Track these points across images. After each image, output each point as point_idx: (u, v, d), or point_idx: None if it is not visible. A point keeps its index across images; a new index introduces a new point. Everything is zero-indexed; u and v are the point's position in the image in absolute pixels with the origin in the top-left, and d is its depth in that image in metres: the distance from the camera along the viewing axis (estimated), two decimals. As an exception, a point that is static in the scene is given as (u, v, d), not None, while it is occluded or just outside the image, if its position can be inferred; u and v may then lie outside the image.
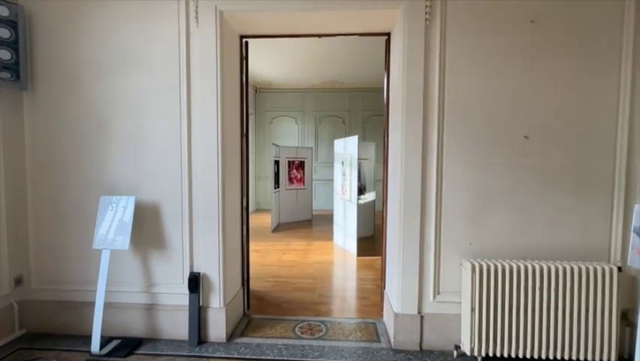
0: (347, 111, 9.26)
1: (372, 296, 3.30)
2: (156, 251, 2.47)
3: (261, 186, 9.32)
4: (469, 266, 2.18)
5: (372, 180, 5.92)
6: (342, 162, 5.43)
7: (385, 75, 2.78)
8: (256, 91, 9.29)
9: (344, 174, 5.36)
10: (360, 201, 5.23)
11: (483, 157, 2.27)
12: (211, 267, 2.44)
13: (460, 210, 2.31)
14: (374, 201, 5.96)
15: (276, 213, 6.85)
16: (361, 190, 5.45)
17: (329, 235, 5.90)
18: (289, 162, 7.32)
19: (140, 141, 2.43)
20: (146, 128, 2.42)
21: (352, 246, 4.87)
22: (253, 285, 3.54)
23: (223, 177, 2.41)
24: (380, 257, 4.90)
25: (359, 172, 5.12)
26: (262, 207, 9.23)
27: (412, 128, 2.29)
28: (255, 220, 7.60)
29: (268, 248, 5.18)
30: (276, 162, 6.87)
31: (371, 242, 5.60)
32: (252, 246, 5.27)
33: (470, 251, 2.32)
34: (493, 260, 2.23)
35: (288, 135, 9.33)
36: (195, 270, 2.46)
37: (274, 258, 4.64)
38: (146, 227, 2.46)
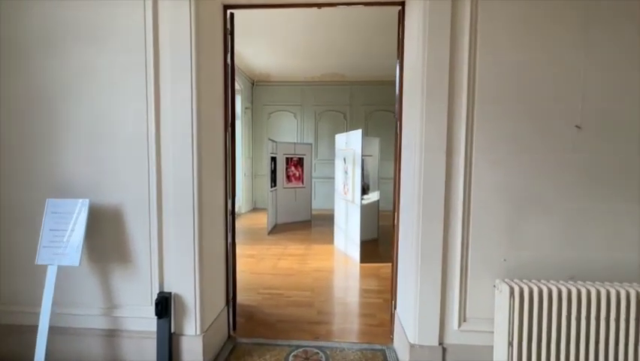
0: (348, 106, 8.81)
1: (380, 313, 2.86)
2: (119, 266, 2.02)
3: (258, 184, 8.88)
4: (505, 289, 1.73)
5: (377, 179, 5.47)
6: (344, 159, 4.98)
7: (398, 54, 2.32)
8: (253, 84, 8.83)
9: (346, 172, 4.91)
10: (364, 202, 4.78)
11: (523, 153, 1.82)
12: (185, 285, 1.99)
13: (493, 218, 1.86)
14: (378, 201, 5.52)
15: (273, 214, 6.41)
16: (364, 189, 5.01)
17: (329, 238, 5.46)
18: (287, 158, 6.87)
19: (98, 131, 1.98)
20: (104, 115, 1.97)
21: (355, 252, 4.43)
22: (243, 298, 3.10)
23: (199, 175, 1.96)
24: (386, 264, 4.49)
25: (362, 170, 4.66)
26: (260, 206, 8.79)
27: (434, 117, 1.83)
28: (250, 221, 7.17)
29: (263, 252, 4.74)
30: (273, 159, 6.41)
31: (375, 246, 5.17)
32: (246, 250, 4.84)
33: (504, 269, 1.87)
34: (534, 281, 1.79)
35: (287, 131, 8.88)
36: (166, 289, 2.01)
37: (269, 264, 4.20)
38: (107, 236, 2.01)
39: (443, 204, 1.85)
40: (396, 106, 2.33)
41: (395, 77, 2.38)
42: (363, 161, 4.63)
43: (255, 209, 8.78)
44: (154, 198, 1.96)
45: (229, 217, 2.40)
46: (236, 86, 7.86)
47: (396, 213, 2.35)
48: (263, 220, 6.77)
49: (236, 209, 7.57)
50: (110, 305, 2.05)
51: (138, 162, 1.96)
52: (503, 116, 1.81)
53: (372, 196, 5.43)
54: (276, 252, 4.77)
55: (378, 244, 5.29)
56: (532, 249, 1.85)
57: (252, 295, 3.22)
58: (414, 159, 1.93)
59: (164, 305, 1.92)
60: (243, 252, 4.76)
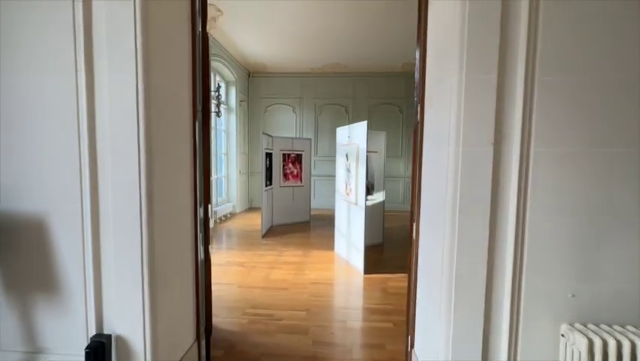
0: (351, 99, 8.26)
1: (390, 343, 2.33)
2: (43, 297, 1.50)
3: (254, 181, 8.36)
4: (581, 341, 1.20)
5: (382, 178, 4.94)
6: (346, 155, 4.44)
7: (419, 19, 1.78)
8: (249, 75, 8.28)
9: (348, 170, 4.37)
10: (368, 203, 4.24)
11: (606, 145, 1.28)
12: (131, 324, 1.47)
13: (559, 236, 1.33)
14: (383, 202, 4.99)
15: (268, 215, 5.89)
16: (369, 189, 4.47)
17: (329, 242, 4.93)
18: (284, 155, 6.33)
19: (10, 113, 1.45)
20: (18, 90, 1.43)
21: (358, 260, 3.90)
22: (225, 321, 2.59)
23: (149, 176, 1.43)
24: (393, 275, 3.85)
25: (366, 168, 4.12)
26: (256, 206, 8.26)
27: (478, 95, 1.29)
28: (244, 222, 6.65)
29: (254, 260, 4.21)
30: (268, 155, 5.88)
31: (379, 252, 4.65)
32: (235, 257, 4.32)
33: (573, 308, 1.34)
34: (617, 328, 1.26)
35: (285, 125, 8.34)
36: (106, 330, 1.49)
37: (259, 275, 3.67)
38: (26, 257, 1.49)
39: (488, 215, 1.32)
40: (417, 88, 1.79)
41: (419, 37, 1.83)
42: (367, 157, 4.08)
43: (250, 209, 8.26)
44: (88, 207, 1.43)
45: (199, 227, 1.87)
46: (231, 77, 7.31)
47: (414, 225, 1.82)
48: (258, 221, 6.25)
49: (231, 208, 7.04)
50: (33, 349, 1.52)
51: (67, 156, 1.43)
52: (578, 92, 1.27)
53: (377, 197, 4.90)
54: (269, 259, 4.25)
55: (383, 250, 4.78)
56: (613, 281, 1.32)
57: (236, 316, 2.70)
58: (445, 154, 1.39)
59: (100, 354, 1.40)
60: (232, 259, 4.24)
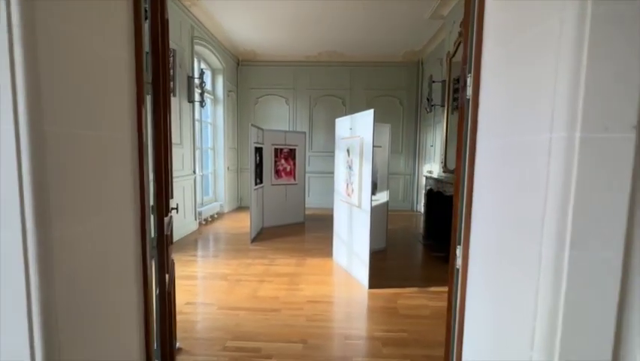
0: (348, 90, 7.68)
1: (411, 394, 1.80)
2: None
3: (244, 179, 7.76)
4: None
5: (386, 176, 4.40)
6: (348, 150, 3.87)
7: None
8: (238, 64, 7.63)
9: (350, 168, 3.81)
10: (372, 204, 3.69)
11: None
12: None
13: None
14: (387, 203, 4.46)
15: (258, 216, 5.31)
16: (372, 189, 3.92)
17: (326, 247, 4.38)
18: (276, 149, 5.74)
19: None
20: None
21: (361, 272, 3.36)
22: (196, 359, 2.03)
23: (38, 176, 0.85)
24: (403, 290, 3.05)
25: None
26: (246, 205, 7.65)
27: (610, 41, 0.74)
28: (232, 223, 6.06)
29: (241, 271, 3.64)
30: (258, 150, 5.28)
31: (383, 259, 4.13)
32: (219, 267, 3.74)
33: None
34: None
35: (278, 118, 7.74)
36: None
37: (245, 291, 3.10)
38: None
39: (622, 251, 0.77)
40: (470, 45, 1.23)
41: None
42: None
43: (240, 208, 7.68)
44: None
45: (149, 256, 1.28)
46: (218, 65, 6.66)
47: (459, 248, 1.27)
48: (248, 223, 5.67)
49: (218, 208, 6.41)
50: None
51: None
52: None
53: (381, 197, 4.36)
54: (258, 270, 3.68)
55: (387, 257, 4.26)
56: None
57: (213, 352, 2.13)
58: (541, 146, 0.84)
59: None
60: (215, 270, 3.66)
